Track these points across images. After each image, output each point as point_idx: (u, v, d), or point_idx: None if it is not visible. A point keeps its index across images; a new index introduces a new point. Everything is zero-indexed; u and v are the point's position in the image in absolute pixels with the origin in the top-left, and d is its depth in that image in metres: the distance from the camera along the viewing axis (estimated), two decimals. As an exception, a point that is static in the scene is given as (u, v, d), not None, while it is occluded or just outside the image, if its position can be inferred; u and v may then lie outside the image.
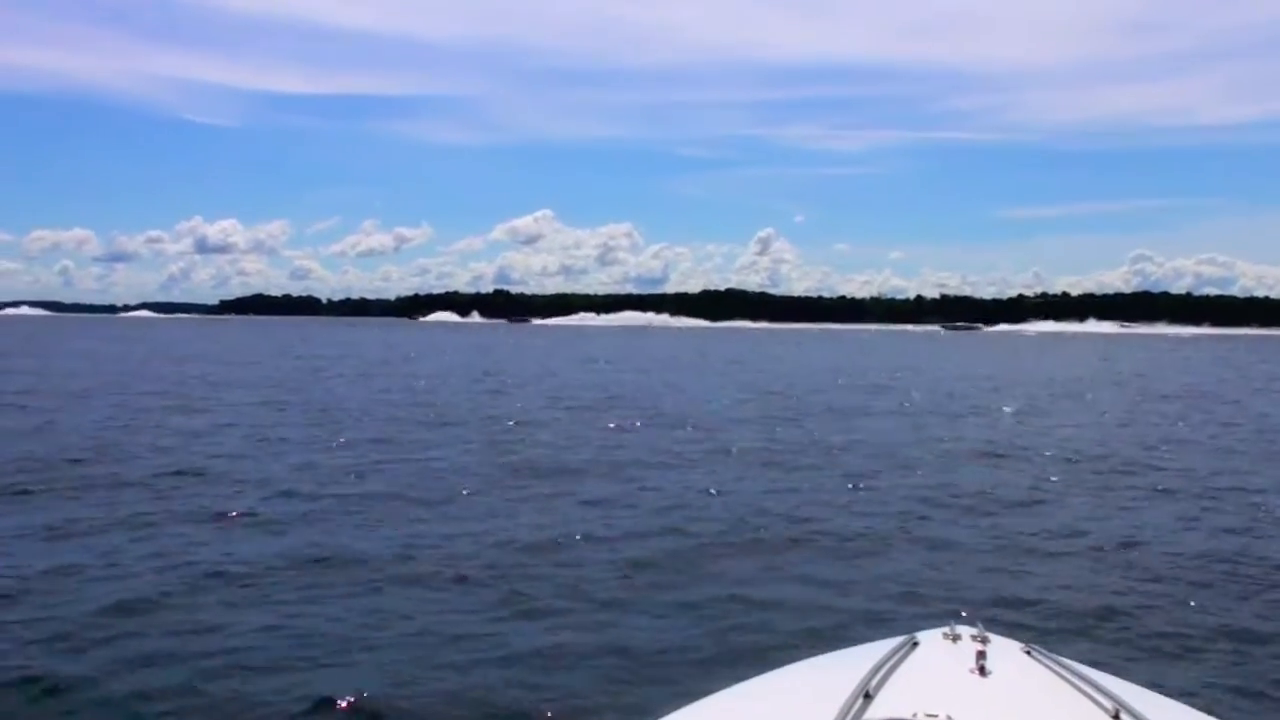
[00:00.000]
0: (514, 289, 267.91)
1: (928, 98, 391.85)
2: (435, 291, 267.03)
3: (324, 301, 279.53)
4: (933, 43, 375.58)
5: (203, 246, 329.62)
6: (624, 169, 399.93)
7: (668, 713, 2.18)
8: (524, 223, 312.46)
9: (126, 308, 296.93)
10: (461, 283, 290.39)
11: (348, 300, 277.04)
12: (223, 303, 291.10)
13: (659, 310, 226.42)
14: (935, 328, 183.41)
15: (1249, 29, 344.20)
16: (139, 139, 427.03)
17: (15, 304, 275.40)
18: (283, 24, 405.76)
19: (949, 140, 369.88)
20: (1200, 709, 2.36)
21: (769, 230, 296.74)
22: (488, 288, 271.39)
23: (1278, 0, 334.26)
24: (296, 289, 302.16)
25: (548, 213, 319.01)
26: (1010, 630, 2.81)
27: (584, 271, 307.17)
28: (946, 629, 2.54)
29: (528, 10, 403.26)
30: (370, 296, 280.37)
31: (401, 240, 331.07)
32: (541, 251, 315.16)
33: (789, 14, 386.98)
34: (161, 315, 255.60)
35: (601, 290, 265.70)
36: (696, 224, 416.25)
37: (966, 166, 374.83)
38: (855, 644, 2.72)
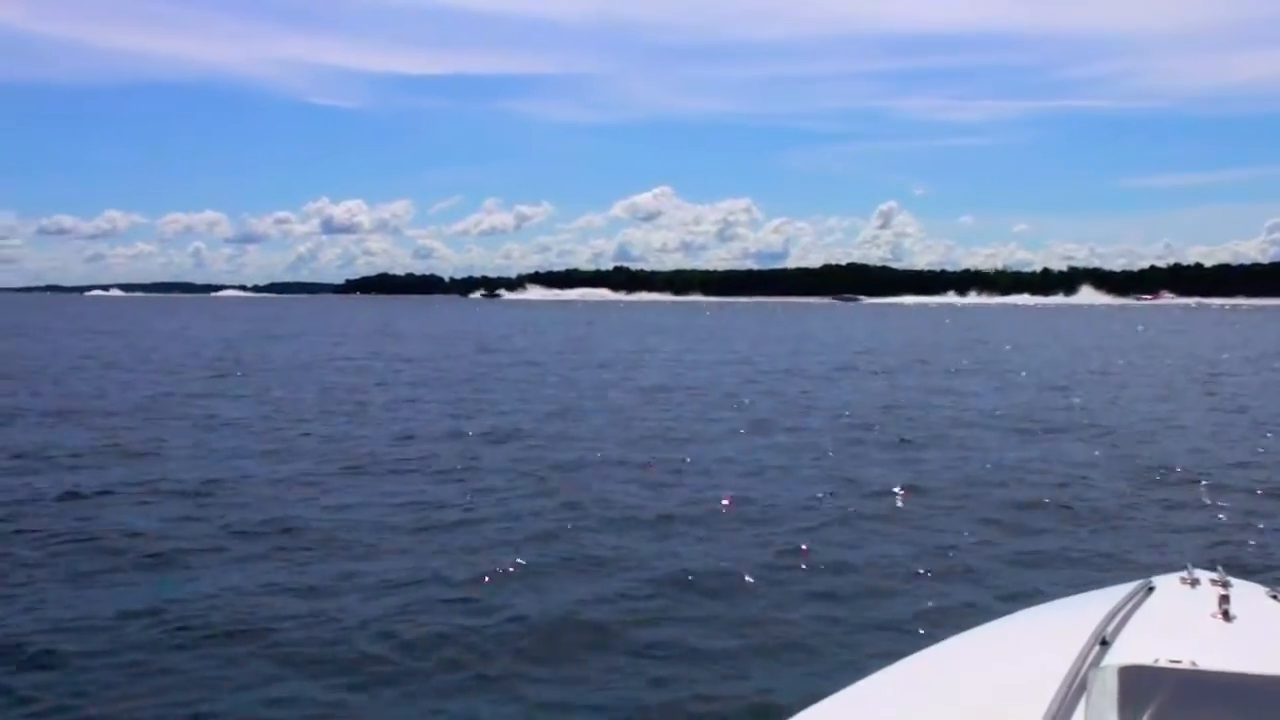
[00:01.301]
0: (634, 265, 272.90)
1: (1050, 66, 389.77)
2: (556, 269, 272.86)
3: (446, 280, 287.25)
4: (1055, 9, 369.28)
5: (329, 227, 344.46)
6: (742, 144, 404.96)
7: (906, 655, 2.17)
8: (643, 199, 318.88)
9: (257, 288, 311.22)
10: (582, 260, 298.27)
11: (470, 278, 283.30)
12: (348, 282, 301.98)
13: (776, 288, 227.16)
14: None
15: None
16: (267, 122, 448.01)
17: (90, 288, 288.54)
18: (405, 6, 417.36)
19: (1074, 109, 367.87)
20: None
21: (891, 204, 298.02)
22: (608, 265, 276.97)
23: None
24: (420, 268, 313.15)
25: (667, 189, 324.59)
26: (1253, 575, 2.76)
27: (704, 248, 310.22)
28: (1184, 573, 2.47)
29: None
30: (492, 274, 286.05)
31: (522, 218, 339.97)
32: (661, 228, 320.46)
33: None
34: (251, 295, 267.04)
35: (721, 266, 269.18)
36: (815, 199, 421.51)
37: (1092, 135, 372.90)
38: (1089, 589, 2.67)
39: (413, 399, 17.24)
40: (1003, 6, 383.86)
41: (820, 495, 9.04)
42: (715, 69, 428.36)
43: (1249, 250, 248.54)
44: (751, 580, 6.31)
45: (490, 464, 10.50)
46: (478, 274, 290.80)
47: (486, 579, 6.28)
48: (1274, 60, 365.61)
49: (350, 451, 11.20)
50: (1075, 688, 1.73)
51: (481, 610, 5.69)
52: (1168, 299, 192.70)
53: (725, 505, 8.50)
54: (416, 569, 6.47)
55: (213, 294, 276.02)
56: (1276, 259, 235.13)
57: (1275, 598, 2.35)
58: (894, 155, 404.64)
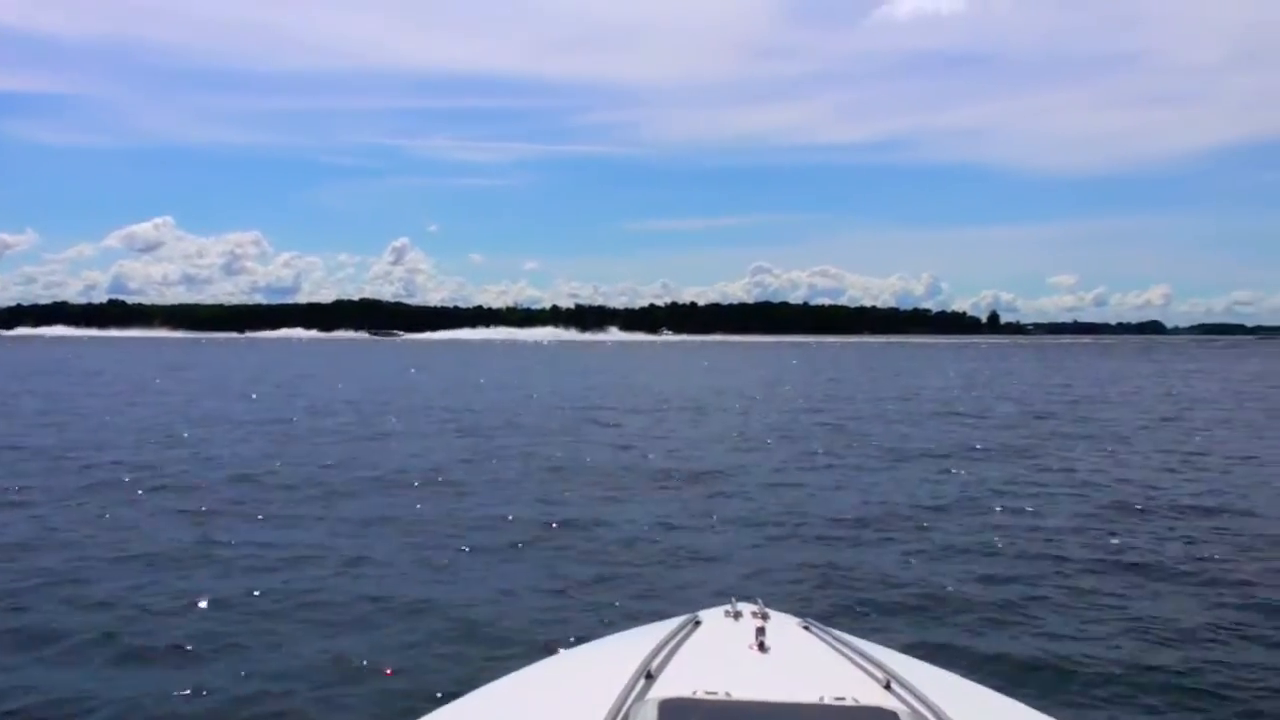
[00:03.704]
0: (131, 299, 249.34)
1: (558, 112, 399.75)
2: (42, 302, 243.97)
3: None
4: (574, 58, 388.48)
5: None
6: (255, 176, 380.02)
7: (450, 701, 2.15)
8: (142, 229, 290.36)
9: None
10: (72, 292, 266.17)
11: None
12: None
13: (292, 321, 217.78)
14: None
15: (862, 58, 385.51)
16: None
17: None
18: None
19: (582, 154, 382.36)
20: (963, 674, 2.46)
21: (403, 240, 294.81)
22: (101, 297, 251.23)
23: (889, 32, 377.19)
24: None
25: (168, 219, 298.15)
26: (790, 605, 3.04)
27: (209, 281, 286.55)
28: (728, 606, 2.58)
29: (160, 9, 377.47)
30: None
31: (3, 247, 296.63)
32: (162, 260, 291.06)
33: (433, 25, 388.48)
34: None
35: (229, 301, 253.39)
36: (329, 233, 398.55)
37: (598, 180, 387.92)
38: (640, 625, 2.74)
39: None
40: (514, 52, 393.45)
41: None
42: (226, 98, 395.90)
43: (735, 290, 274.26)
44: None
45: None
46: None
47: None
48: (761, 117, 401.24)
49: None
50: None
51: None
52: (668, 336, 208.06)
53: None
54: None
55: None
56: (760, 299, 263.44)
57: (807, 628, 2.49)
58: (407, 192, 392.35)
